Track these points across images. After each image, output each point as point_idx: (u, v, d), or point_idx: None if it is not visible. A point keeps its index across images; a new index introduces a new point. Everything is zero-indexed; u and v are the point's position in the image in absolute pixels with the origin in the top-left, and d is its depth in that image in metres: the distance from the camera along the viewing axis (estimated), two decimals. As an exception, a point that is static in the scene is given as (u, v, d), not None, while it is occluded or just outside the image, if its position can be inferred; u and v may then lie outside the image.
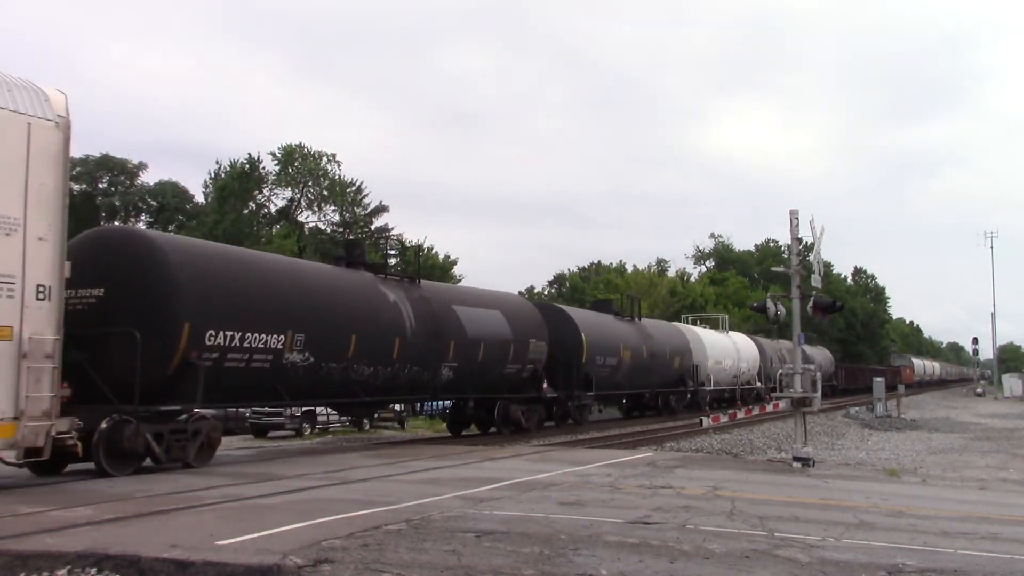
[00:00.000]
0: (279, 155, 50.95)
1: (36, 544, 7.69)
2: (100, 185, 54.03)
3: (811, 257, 17.64)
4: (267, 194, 51.61)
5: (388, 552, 7.45)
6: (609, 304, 33.73)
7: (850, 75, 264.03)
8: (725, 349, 41.12)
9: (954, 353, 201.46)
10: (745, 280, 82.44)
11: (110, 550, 7.29)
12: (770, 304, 17.70)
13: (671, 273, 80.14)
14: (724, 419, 20.64)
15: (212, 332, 14.41)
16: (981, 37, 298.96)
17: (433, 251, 52.50)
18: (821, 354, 59.28)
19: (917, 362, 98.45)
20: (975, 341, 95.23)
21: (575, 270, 77.80)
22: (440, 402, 24.91)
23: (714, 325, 44.64)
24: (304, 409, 24.58)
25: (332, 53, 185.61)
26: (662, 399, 34.85)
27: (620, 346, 30.22)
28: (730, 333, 44.36)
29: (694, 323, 43.42)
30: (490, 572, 6.84)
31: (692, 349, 36.95)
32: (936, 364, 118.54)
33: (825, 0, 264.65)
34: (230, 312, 14.87)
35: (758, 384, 44.25)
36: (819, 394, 16.93)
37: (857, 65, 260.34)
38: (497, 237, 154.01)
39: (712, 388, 39.01)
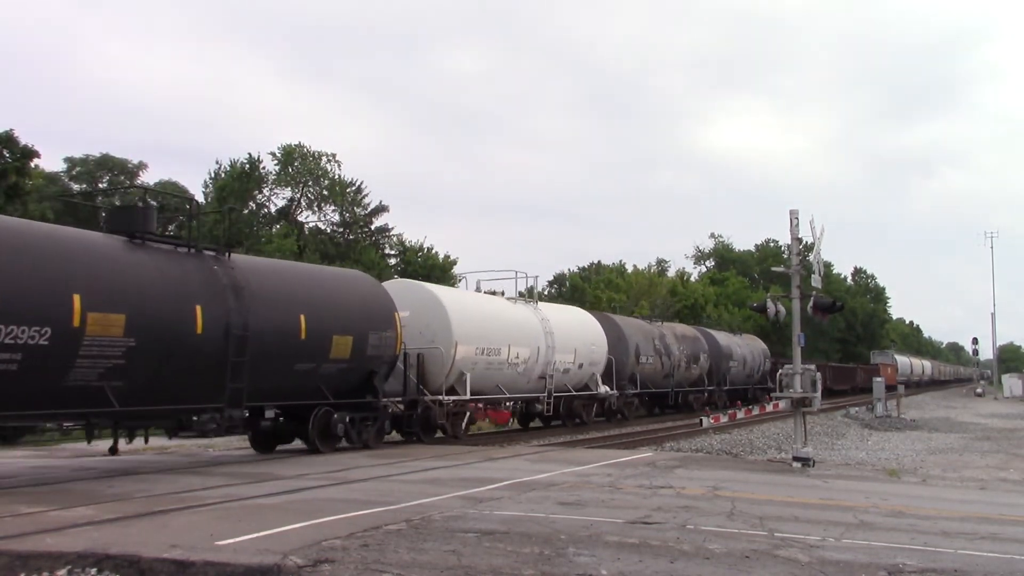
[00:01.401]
0: (279, 155, 50.95)
1: (36, 544, 7.69)
2: (100, 185, 53.99)
3: (811, 257, 17.63)
4: (267, 194, 51.61)
5: (388, 552, 7.45)
6: (141, 216, 14.76)
7: (849, 75, 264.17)
8: (513, 329, 23.83)
9: (954, 353, 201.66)
10: (745, 280, 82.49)
11: (110, 550, 7.30)
12: (770, 304, 17.69)
13: (671, 273, 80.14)
14: (724, 419, 20.63)
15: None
16: (980, 37, 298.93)
17: (433, 251, 52.47)
18: (747, 345, 45.02)
19: (903, 360, 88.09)
20: (975, 341, 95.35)
21: (575, 270, 77.81)
22: None
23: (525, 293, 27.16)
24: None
25: (332, 53, 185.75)
26: (318, 421, 16.94)
27: (78, 301, 12.36)
28: (542, 305, 27.23)
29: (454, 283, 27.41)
30: (490, 572, 6.84)
31: (409, 324, 19.93)
32: (927, 363, 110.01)
33: (823, 0, 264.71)
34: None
35: (603, 388, 28.32)
36: (819, 394, 16.92)
37: (856, 65, 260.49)
38: (497, 237, 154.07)
39: (473, 395, 21.93)
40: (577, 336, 27.34)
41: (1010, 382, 70.97)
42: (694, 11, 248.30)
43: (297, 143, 51.56)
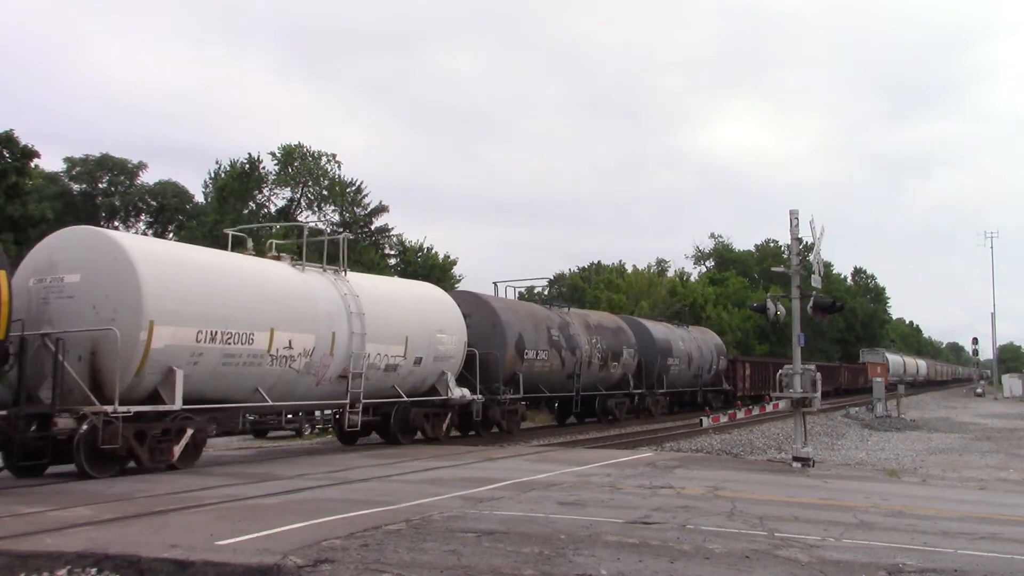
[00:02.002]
0: (279, 155, 50.95)
1: (36, 544, 7.69)
2: (100, 185, 54.01)
3: (811, 257, 17.64)
4: (267, 194, 51.61)
5: (388, 552, 7.45)
6: None
7: (848, 75, 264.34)
8: (281, 305, 16.37)
9: (954, 353, 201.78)
10: (745, 280, 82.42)
11: (110, 550, 7.30)
12: (770, 304, 17.70)
13: (671, 273, 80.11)
14: (724, 419, 20.63)
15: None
16: (978, 36, 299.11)
17: (433, 251, 52.48)
18: (694, 340, 38.03)
19: (895, 359, 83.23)
20: (975, 341, 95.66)
21: (575, 270, 77.78)
22: None
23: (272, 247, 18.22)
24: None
25: (333, 53, 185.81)
26: None
27: None
28: (355, 276, 19.39)
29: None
30: (490, 572, 6.84)
31: (80, 295, 13.93)
32: (922, 362, 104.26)
33: (822, 1, 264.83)
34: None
35: (458, 392, 20.90)
36: (819, 394, 16.93)
37: (855, 65, 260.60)
38: (497, 237, 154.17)
39: (197, 404, 14.77)
40: (411, 319, 19.61)
41: (1010, 382, 71.01)
42: (694, 11, 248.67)
43: (297, 143, 51.57)
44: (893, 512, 10.78)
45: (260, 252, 18.03)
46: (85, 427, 13.00)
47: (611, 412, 30.37)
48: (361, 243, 50.76)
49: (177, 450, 14.46)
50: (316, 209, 52.27)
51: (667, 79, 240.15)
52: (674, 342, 35.60)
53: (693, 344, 37.51)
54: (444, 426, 21.23)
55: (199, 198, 54.53)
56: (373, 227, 53.36)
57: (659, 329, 35.12)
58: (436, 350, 20.48)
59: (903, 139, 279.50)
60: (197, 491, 11.45)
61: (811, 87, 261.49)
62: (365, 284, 19.24)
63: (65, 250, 14.30)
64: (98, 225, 43.16)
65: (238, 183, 48.36)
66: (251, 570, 6.81)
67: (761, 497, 11.69)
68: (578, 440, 23.23)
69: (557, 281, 74.15)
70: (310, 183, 51.73)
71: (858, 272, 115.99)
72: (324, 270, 18.40)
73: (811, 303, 17.17)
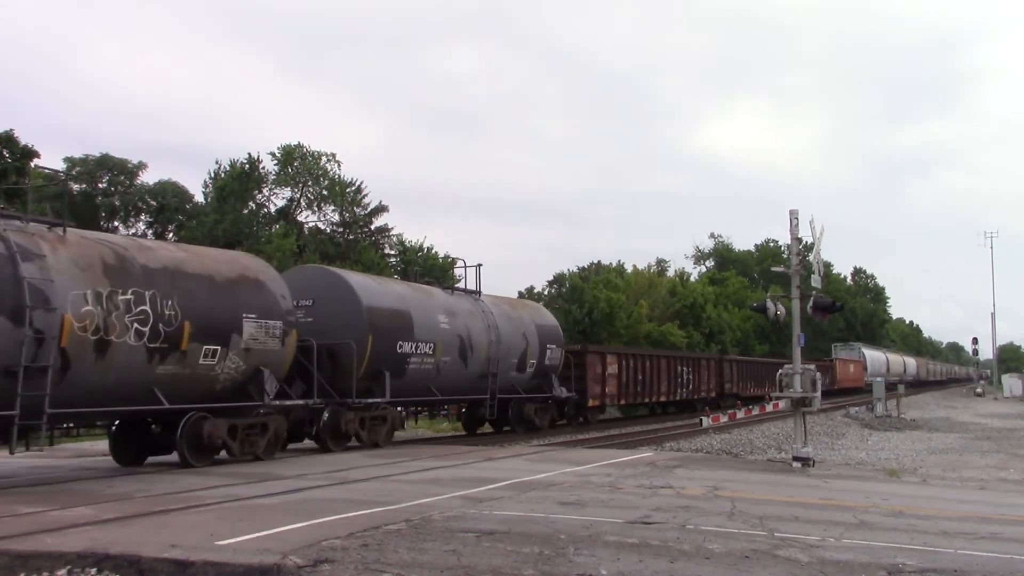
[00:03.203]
0: (279, 155, 50.93)
1: (36, 544, 7.70)
2: (100, 185, 53.99)
3: (811, 257, 17.63)
4: (267, 194, 51.59)
5: (388, 552, 7.45)
6: None
7: (848, 74, 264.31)
8: None
9: (954, 353, 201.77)
10: (745, 280, 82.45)
11: (110, 550, 7.30)
12: (770, 304, 17.69)
13: (671, 273, 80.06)
14: (724, 419, 20.63)
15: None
16: (978, 36, 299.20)
17: (433, 251, 52.45)
18: (480, 315, 22.66)
19: (875, 355, 74.42)
20: (975, 341, 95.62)
21: (575, 270, 77.69)
22: None
23: None
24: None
25: (333, 53, 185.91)
26: None
27: None
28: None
29: None
30: (490, 572, 6.84)
31: None
32: (910, 360, 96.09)
33: (821, 1, 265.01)
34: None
35: None
36: (819, 394, 16.91)
37: (855, 64, 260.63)
38: (497, 237, 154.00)
39: None
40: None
41: (1010, 382, 71.05)
42: (693, 11, 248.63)
43: (297, 143, 51.54)
44: (893, 512, 10.78)
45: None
46: None
47: (210, 444, 15.06)
48: (361, 243, 50.80)
49: None
50: (316, 209, 52.30)
51: (667, 79, 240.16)
52: (422, 314, 20.27)
53: (478, 322, 22.33)
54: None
55: (199, 198, 54.51)
56: (373, 227, 53.36)
57: (385, 290, 20.08)
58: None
59: (902, 139, 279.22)
60: (197, 491, 11.46)
61: (811, 87, 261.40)
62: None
63: None
64: (98, 226, 43.17)
65: (238, 183, 48.34)
66: (251, 570, 6.81)
67: (761, 497, 11.69)
68: (578, 440, 23.24)
69: (557, 281, 74.15)
70: (310, 183, 51.72)
71: (858, 272, 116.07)
72: None
73: (811, 303, 17.15)
